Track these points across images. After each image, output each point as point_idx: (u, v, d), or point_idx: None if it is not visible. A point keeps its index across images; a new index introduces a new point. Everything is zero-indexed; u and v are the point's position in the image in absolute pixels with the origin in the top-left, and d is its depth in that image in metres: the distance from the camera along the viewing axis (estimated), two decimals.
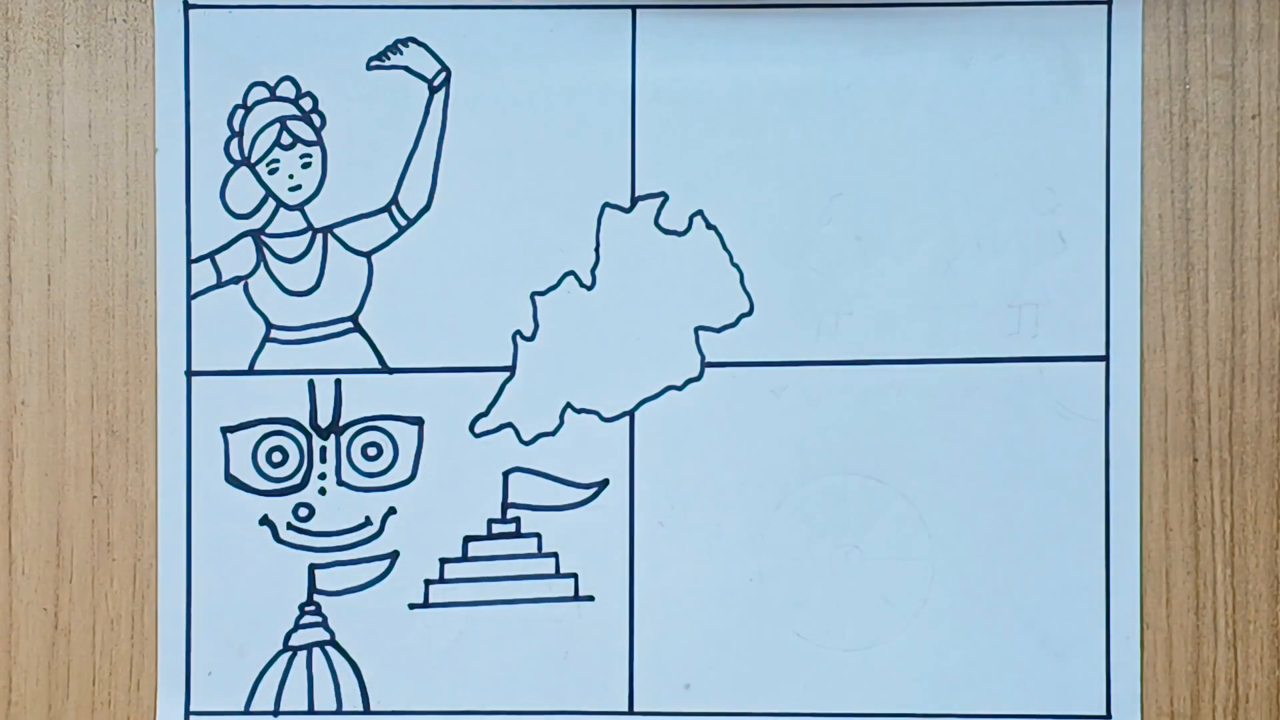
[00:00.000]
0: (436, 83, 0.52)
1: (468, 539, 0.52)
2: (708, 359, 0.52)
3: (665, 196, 0.52)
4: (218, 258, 0.52)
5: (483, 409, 0.52)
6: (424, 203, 0.52)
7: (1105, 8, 0.52)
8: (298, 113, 0.51)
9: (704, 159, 0.52)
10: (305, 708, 0.52)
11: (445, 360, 0.52)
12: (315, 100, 0.52)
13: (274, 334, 0.52)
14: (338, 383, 0.52)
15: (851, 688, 0.52)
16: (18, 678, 0.52)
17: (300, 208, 0.52)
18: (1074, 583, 0.52)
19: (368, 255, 0.52)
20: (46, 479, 0.51)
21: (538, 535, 0.52)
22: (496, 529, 0.52)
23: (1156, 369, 0.52)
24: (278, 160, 0.52)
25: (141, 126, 0.51)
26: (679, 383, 0.52)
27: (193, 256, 0.52)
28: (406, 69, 0.52)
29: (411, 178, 0.52)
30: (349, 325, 0.52)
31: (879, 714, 0.52)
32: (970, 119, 0.52)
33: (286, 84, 0.51)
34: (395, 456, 0.52)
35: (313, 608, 0.52)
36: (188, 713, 0.51)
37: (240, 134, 0.51)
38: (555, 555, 0.52)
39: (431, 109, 0.52)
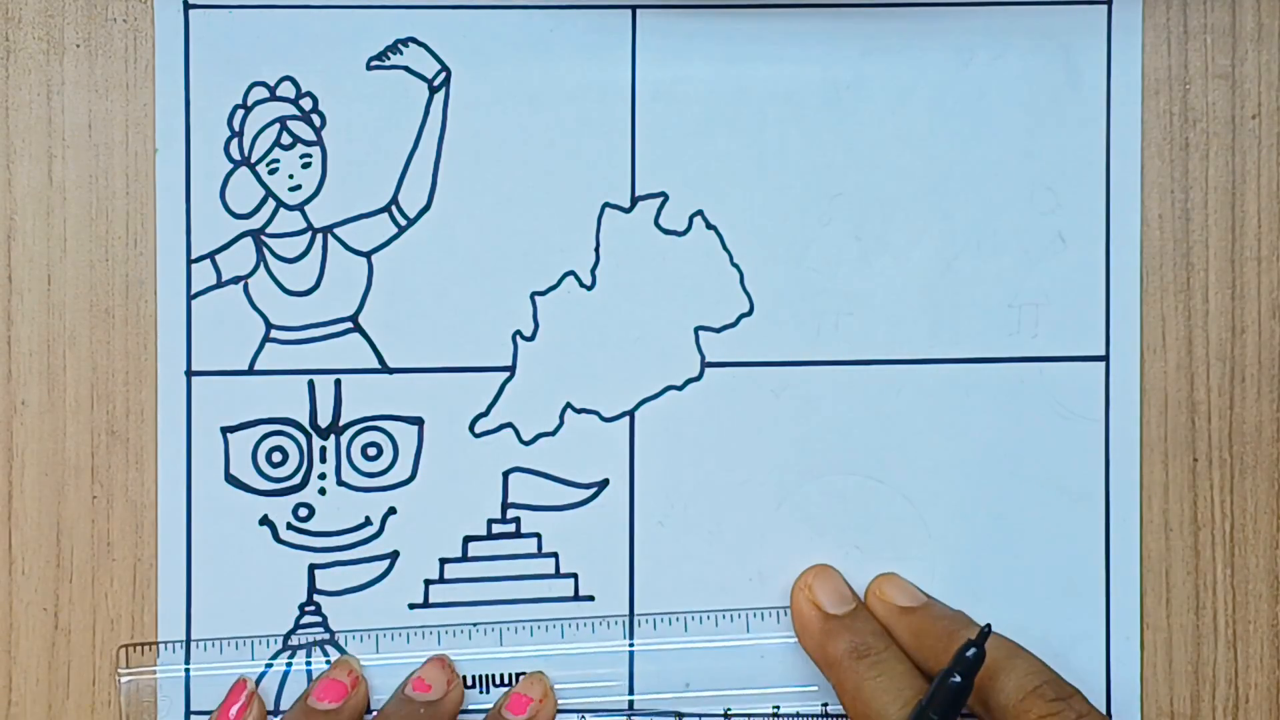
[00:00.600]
0: (436, 83, 0.52)
1: (468, 539, 0.52)
2: (708, 359, 0.52)
3: (665, 196, 0.52)
4: (218, 258, 0.52)
5: (483, 409, 0.52)
6: (424, 203, 0.52)
7: (1105, 8, 0.52)
8: (298, 113, 0.51)
9: (704, 159, 0.52)
10: None
11: (445, 360, 0.52)
12: (315, 100, 0.52)
13: (274, 334, 0.52)
14: (338, 383, 0.52)
15: None
16: (18, 678, 0.51)
17: (300, 208, 0.52)
18: (1074, 583, 0.52)
19: (368, 255, 0.52)
20: (46, 479, 0.51)
21: (538, 535, 0.52)
22: (496, 529, 0.52)
23: (1156, 369, 0.52)
24: (278, 160, 0.52)
25: (141, 126, 0.51)
26: (679, 383, 0.52)
27: (193, 256, 0.52)
28: (406, 69, 0.52)
29: (411, 178, 0.52)
30: (349, 325, 0.52)
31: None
32: (970, 119, 0.52)
33: (286, 84, 0.51)
34: (395, 456, 0.52)
35: (313, 608, 0.52)
36: (188, 713, 0.51)
37: (240, 134, 0.51)
38: (555, 555, 0.52)
39: (431, 109, 0.52)
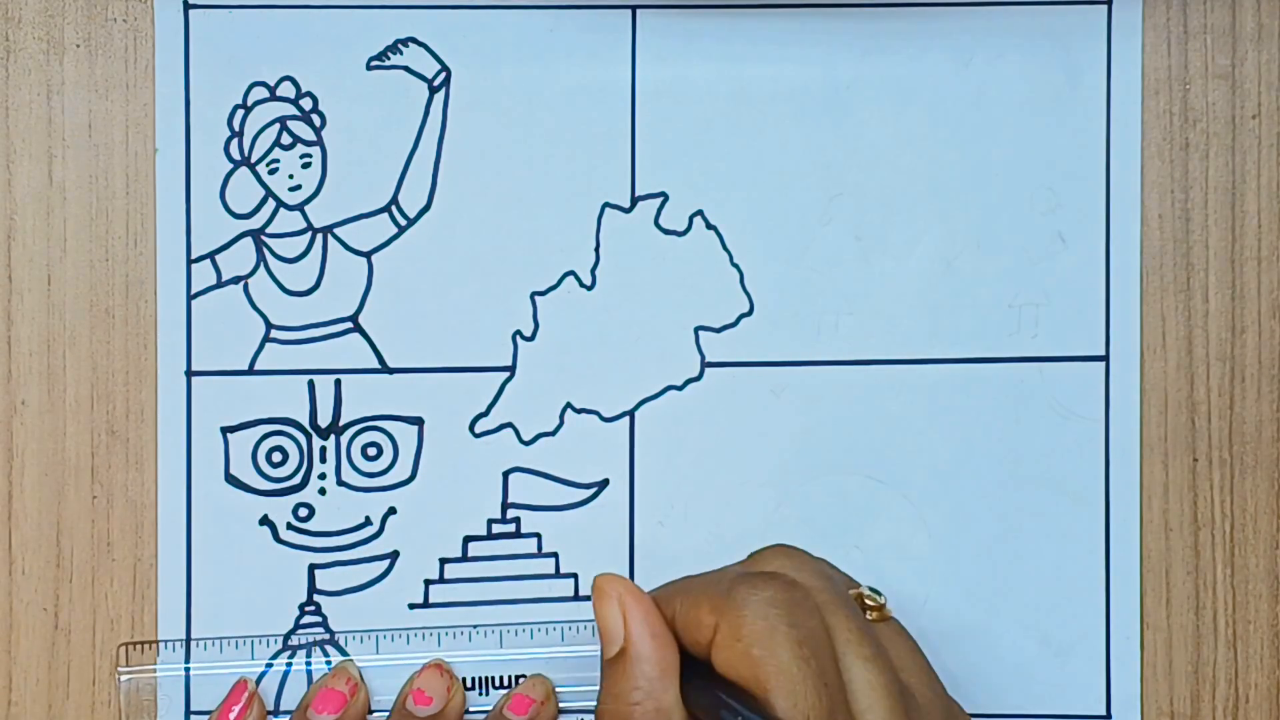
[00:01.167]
0: (436, 83, 0.52)
1: (468, 539, 0.52)
2: (708, 359, 0.52)
3: (665, 196, 0.52)
4: (218, 258, 0.52)
5: (483, 409, 0.52)
6: (424, 203, 0.52)
7: (1105, 8, 0.52)
8: (298, 113, 0.51)
9: (704, 159, 0.52)
10: None
11: (445, 360, 0.52)
12: (315, 100, 0.52)
13: (274, 334, 0.52)
14: (338, 383, 0.52)
15: None
16: (18, 678, 0.51)
17: (300, 208, 0.52)
18: (1074, 583, 0.52)
19: (368, 255, 0.52)
20: (46, 479, 0.51)
21: (538, 535, 0.52)
22: (496, 529, 0.52)
23: (1156, 369, 0.52)
24: (278, 160, 0.52)
25: (141, 126, 0.51)
26: (679, 383, 0.52)
27: (193, 256, 0.52)
28: (406, 69, 0.52)
29: (411, 178, 0.52)
30: (349, 325, 0.52)
31: None
32: (970, 119, 0.52)
33: (286, 84, 0.51)
34: (395, 456, 0.52)
35: (313, 608, 0.52)
36: (188, 713, 0.51)
37: (240, 134, 0.51)
38: (555, 555, 0.52)
39: (431, 109, 0.52)
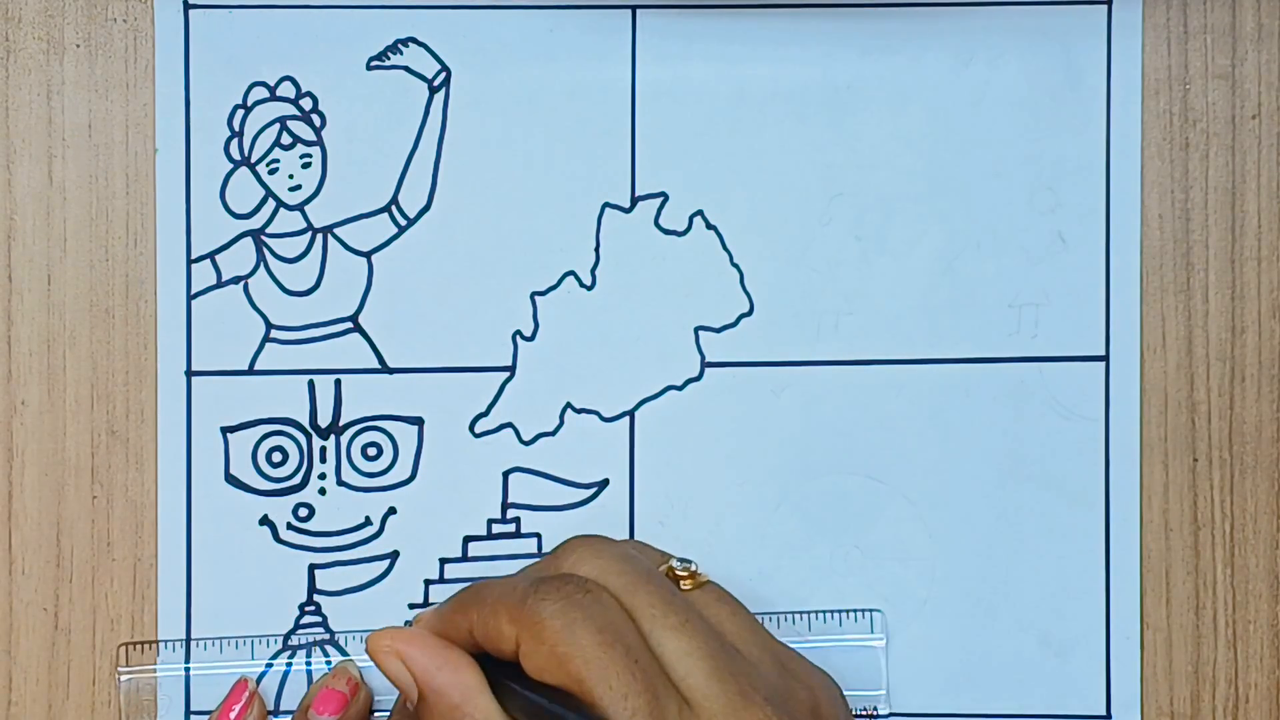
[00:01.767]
0: (436, 83, 0.52)
1: (468, 539, 0.52)
2: (708, 359, 0.52)
3: (665, 196, 0.52)
4: (218, 258, 0.52)
5: (483, 409, 0.52)
6: (424, 203, 0.52)
7: (1105, 8, 0.52)
8: (298, 113, 0.51)
9: (704, 159, 0.52)
10: None
11: (445, 360, 0.52)
12: (315, 100, 0.52)
13: (274, 334, 0.52)
14: (338, 383, 0.52)
15: (852, 688, 0.52)
16: (18, 678, 0.52)
17: (300, 208, 0.52)
18: (1074, 583, 0.52)
19: (368, 255, 0.52)
20: (46, 479, 0.51)
21: (538, 535, 0.52)
22: (496, 529, 0.52)
23: (1156, 369, 0.52)
24: (278, 160, 0.52)
25: (141, 126, 0.51)
26: (679, 383, 0.52)
27: (193, 256, 0.52)
28: (406, 69, 0.52)
29: (411, 178, 0.52)
30: (349, 325, 0.52)
31: (879, 714, 0.52)
32: (970, 119, 0.52)
33: (286, 84, 0.51)
34: (395, 456, 0.52)
35: (313, 608, 0.52)
36: (188, 713, 0.51)
37: (240, 134, 0.51)
38: None
39: (431, 109, 0.52)
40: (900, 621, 0.52)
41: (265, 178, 0.52)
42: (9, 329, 0.51)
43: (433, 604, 0.52)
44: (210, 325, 0.52)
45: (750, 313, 0.52)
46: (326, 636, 0.52)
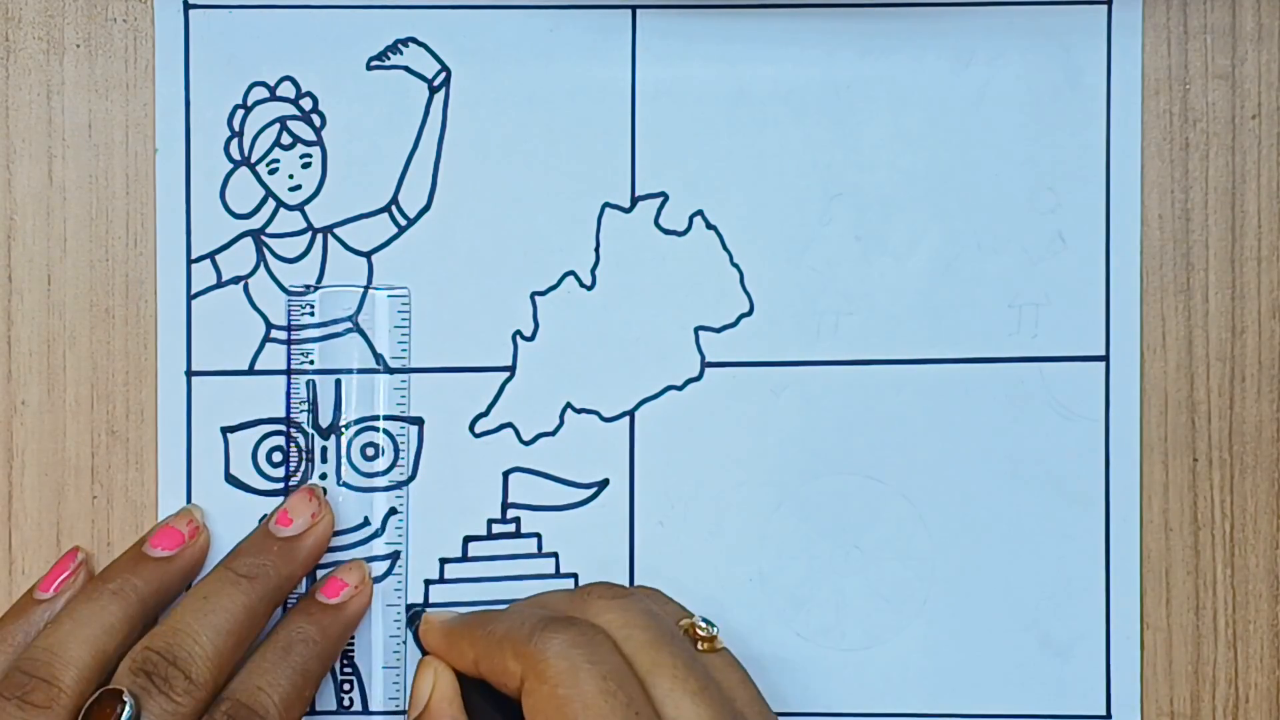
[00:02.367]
0: (436, 83, 0.52)
1: (468, 539, 0.52)
2: (708, 359, 0.52)
3: (665, 196, 0.52)
4: (218, 258, 0.52)
5: (483, 409, 0.52)
6: (424, 203, 0.52)
7: (1105, 8, 0.52)
8: (298, 113, 0.52)
9: (704, 159, 0.52)
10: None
11: (445, 360, 0.52)
12: (315, 100, 0.52)
13: (274, 334, 0.52)
14: (338, 383, 0.52)
15: (851, 688, 0.52)
16: None
17: (300, 208, 0.52)
18: (1074, 583, 0.52)
19: (368, 255, 0.52)
20: (46, 479, 0.51)
21: (538, 535, 0.52)
22: (496, 529, 0.52)
23: (1156, 369, 0.52)
24: (278, 160, 0.52)
25: (141, 126, 0.51)
26: (679, 383, 0.52)
27: (193, 256, 0.52)
28: (406, 69, 0.52)
29: (411, 178, 0.52)
30: (349, 325, 0.52)
31: (879, 714, 0.52)
32: (970, 119, 0.52)
33: (286, 84, 0.51)
34: (395, 456, 0.52)
35: None
36: None
37: (240, 134, 0.51)
38: (555, 555, 0.52)
39: (431, 109, 0.52)
40: (900, 621, 0.52)
41: (265, 178, 0.52)
42: (9, 329, 0.51)
43: (433, 604, 0.52)
44: (210, 325, 0.52)
45: (750, 313, 0.52)
46: None
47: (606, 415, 0.52)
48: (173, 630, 0.46)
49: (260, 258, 0.52)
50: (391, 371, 0.52)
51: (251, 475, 0.52)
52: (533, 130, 0.52)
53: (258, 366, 0.52)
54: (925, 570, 0.52)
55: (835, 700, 0.51)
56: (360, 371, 0.52)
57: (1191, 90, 0.52)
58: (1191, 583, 0.52)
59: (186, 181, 0.51)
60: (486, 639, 0.46)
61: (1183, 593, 0.52)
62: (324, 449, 0.52)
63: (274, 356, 0.52)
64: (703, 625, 0.47)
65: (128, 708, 0.43)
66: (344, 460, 0.52)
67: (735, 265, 0.52)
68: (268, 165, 0.52)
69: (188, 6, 0.51)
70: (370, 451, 0.52)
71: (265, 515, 0.51)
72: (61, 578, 0.49)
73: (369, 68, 0.52)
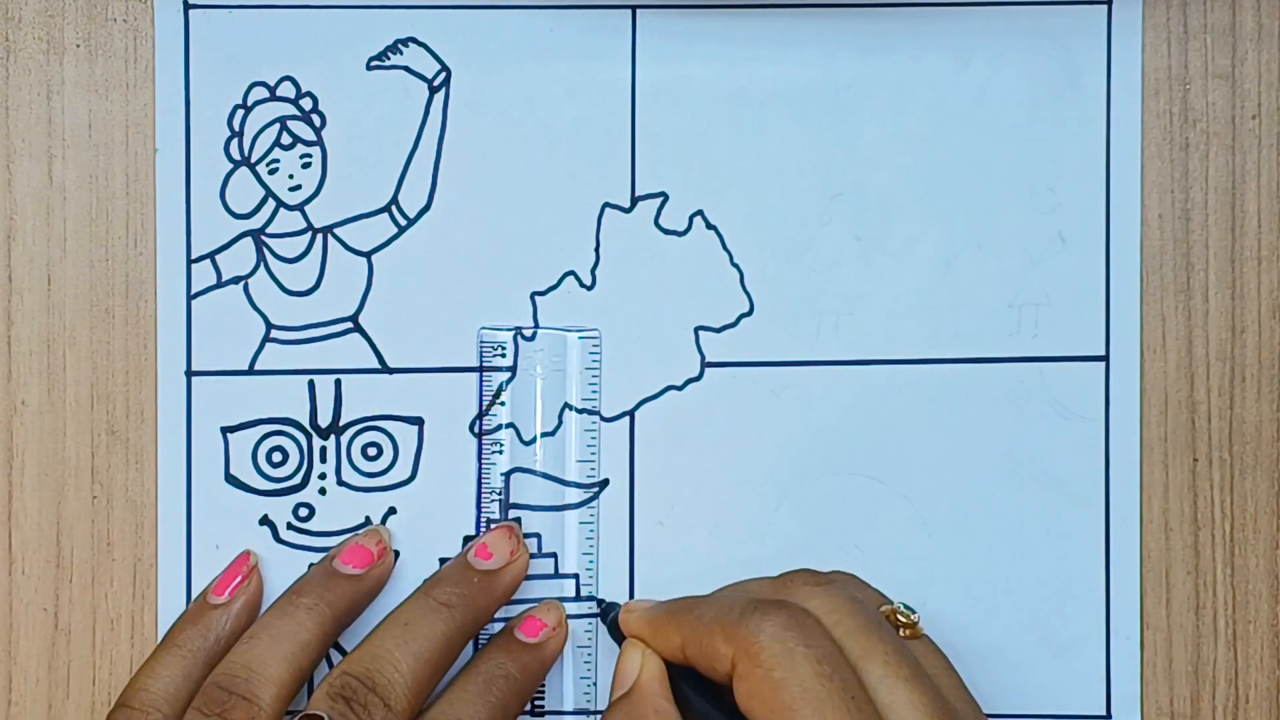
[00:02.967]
0: (436, 83, 0.52)
1: (468, 539, 0.52)
2: (708, 359, 0.52)
3: (665, 196, 0.52)
4: (218, 258, 0.52)
5: (483, 409, 0.52)
6: (424, 203, 0.52)
7: (1105, 8, 0.52)
8: (298, 113, 0.51)
9: (704, 159, 0.52)
10: None
11: (445, 360, 0.52)
12: (315, 100, 0.52)
13: (274, 334, 0.52)
14: (338, 383, 0.52)
15: None
16: (18, 678, 0.52)
17: (300, 208, 0.52)
18: (1074, 583, 0.52)
19: (368, 255, 0.52)
20: (46, 479, 0.51)
21: (538, 535, 0.52)
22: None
23: (1156, 369, 0.52)
24: (278, 160, 0.52)
25: (141, 126, 0.51)
26: (679, 383, 0.52)
27: (193, 256, 0.52)
28: (406, 69, 0.52)
29: (411, 178, 0.52)
30: (349, 325, 0.52)
31: None
32: (970, 119, 0.52)
33: (286, 84, 0.51)
34: (395, 456, 0.52)
35: None
36: None
37: (240, 134, 0.51)
38: (555, 555, 0.52)
39: (431, 109, 0.52)
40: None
41: (265, 178, 0.52)
42: (9, 329, 0.51)
43: None
44: (210, 325, 0.52)
45: (750, 313, 0.52)
46: None
47: (606, 415, 0.52)
48: (372, 656, 0.46)
49: (260, 258, 0.52)
50: (391, 371, 0.52)
51: (251, 475, 0.52)
52: (533, 130, 0.52)
53: (258, 366, 0.52)
54: (925, 570, 0.52)
55: None
56: (360, 371, 0.52)
57: (1191, 90, 0.52)
58: (1191, 583, 0.52)
59: (186, 181, 0.51)
60: (695, 622, 0.45)
61: (1183, 593, 0.52)
62: (324, 449, 0.52)
63: (274, 356, 0.52)
64: (904, 611, 0.47)
65: None
66: (344, 460, 0.52)
67: (735, 265, 0.52)
68: (268, 165, 0.52)
69: (188, 6, 0.51)
70: (370, 451, 0.52)
71: (466, 543, 0.51)
72: (235, 582, 0.49)
73: (369, 68, 0.52)
